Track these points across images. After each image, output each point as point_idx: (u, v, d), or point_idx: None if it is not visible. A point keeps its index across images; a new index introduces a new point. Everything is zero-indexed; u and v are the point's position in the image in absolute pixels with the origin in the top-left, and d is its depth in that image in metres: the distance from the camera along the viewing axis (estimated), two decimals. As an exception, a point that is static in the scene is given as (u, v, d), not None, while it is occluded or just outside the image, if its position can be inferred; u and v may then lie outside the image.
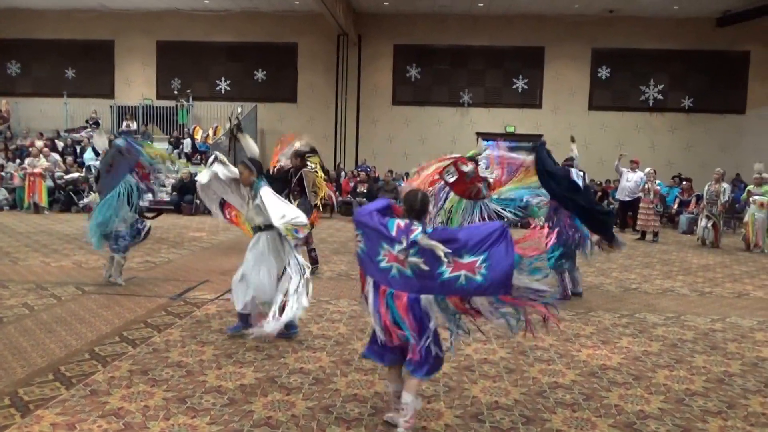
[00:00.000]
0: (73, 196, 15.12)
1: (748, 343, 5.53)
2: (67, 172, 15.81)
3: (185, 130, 18.59)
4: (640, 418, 3.83)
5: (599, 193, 15.31)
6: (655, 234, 12.50)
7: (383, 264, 3.35)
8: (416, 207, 3.42)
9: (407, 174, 17.01)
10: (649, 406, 4.01)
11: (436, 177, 7.03)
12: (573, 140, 8.45)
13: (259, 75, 19.72)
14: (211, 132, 18.55)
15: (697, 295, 7.63)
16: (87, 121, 19.04)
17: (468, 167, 6.98)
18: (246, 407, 3.72)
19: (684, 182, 15.14)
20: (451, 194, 7.20)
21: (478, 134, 19.10)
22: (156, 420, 3.51)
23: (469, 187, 7.06)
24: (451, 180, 7.00)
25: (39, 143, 16.19)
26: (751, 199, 11.70)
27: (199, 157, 17.02)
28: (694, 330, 5.88)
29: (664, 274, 8.89)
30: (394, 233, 3.31)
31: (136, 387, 3.95)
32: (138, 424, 3.45)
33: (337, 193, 15.55)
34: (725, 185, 12.13)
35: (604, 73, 18.80)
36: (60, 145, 17.76)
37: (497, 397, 4.05)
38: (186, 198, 15.30)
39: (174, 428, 3.42)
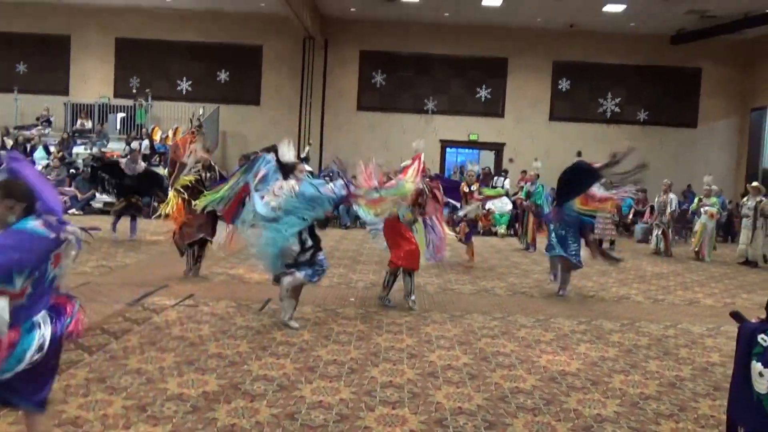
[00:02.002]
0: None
1: (699, 348, 5.73)
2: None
3: (143, 130, 18.21)
4: (597, 421, 3.93)
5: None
6: (612, 242, 12.80)
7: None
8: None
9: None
10: (605, 409, 4.13)
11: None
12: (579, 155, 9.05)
13: (222, 76, 19.46)
14: (170, 133, 18.20)
15: (651, 302, 7.86)
16: (38, 119, 18.47)
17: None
18: (209, 414, 3.68)
19: (639, 192, 15.53)
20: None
21: (443, 142, 19.33)
22: (115, 429, 3.44)
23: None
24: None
25: (-16, 140, 15.63)
26: (702, 209, 12.13)
27: (157, 158, 16.68)
28: (648, 336, 6.07)
29: (620, 281, 9.13)
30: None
31: (93, 395, 3.86)
32: (97, 432, 3.37)
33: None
34: (672, 195, 12.57)
35: (564, 85, 19.20)
36: (9, 142, 17.14)
37: (460, 403, 4.10)
38: (144, 200, 14.96)
39: (134, 436, 3.35)
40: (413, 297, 6.76)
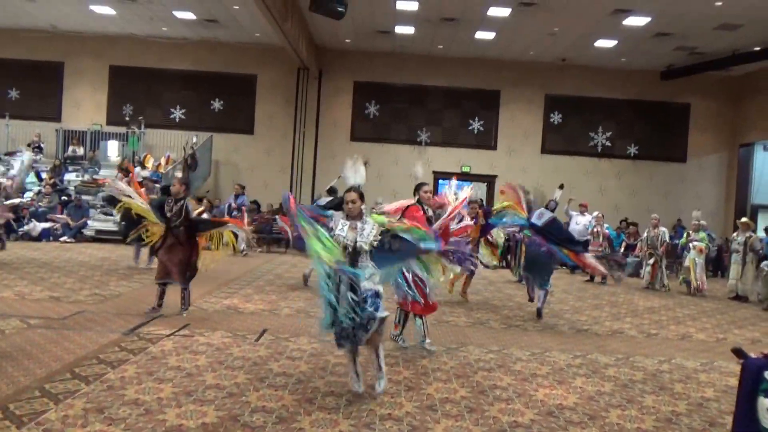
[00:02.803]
0: (12, 222, 14.50)
1: (693, 383, 5.75)
2: (7, 197, 15.20)
3: (136, 158, 18.23)
4: (598, 459, 3.92)
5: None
6: (604, 277, 12.87)
7: None
8: None
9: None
10: (605, 446, 4.12)
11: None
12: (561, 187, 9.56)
13: (216, 105, 19.58)
14: (163, 161, 18.25)
15: (645, 336, 7.89)
16: (29, 145, 18.43)
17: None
18: (208, 447, 3.65)
19: (630, 226, 15.69)
20: None
21: (435, 173, 19.46)
22: (114, 461, 3.39)
23: None
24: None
25: (-28, 165, 15.52)
26: (690, 244, 12.26)
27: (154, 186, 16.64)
28: (643, 371, 6.08)
29: (613, 315, 9.17)
30: None
31: (92, 426, 3.81)
32: (96, 465, 3.33)
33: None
34: (662, 229, 12.71)
35: (556, 118, 19.48)
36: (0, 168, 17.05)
37: (460, 438, 4.08)
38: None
39: (133, 469, 3.31)
40: (428, 340, 6.36)
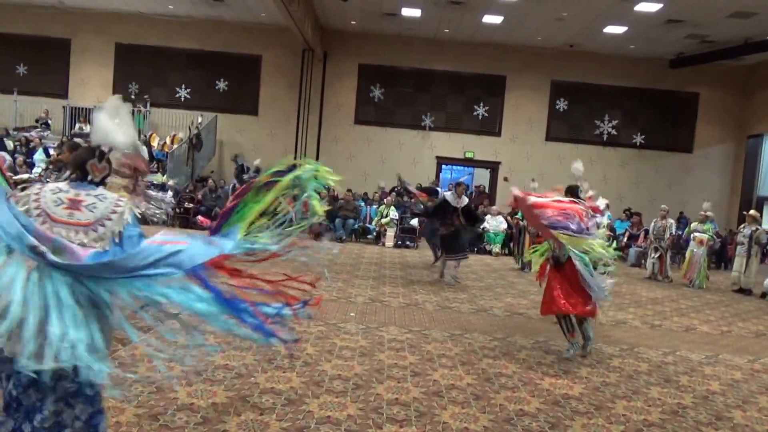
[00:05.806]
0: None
1: (698, 376, 5.77)
2: (15, 172, 15.20)
3: (141, 136, 18.17)
4: (604, 448, 3.95)
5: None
6: (606, 266, 12.85)
7: None
8: None
9: (366, 194, 17.04)
10: (611, 436, 4.14)
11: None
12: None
13: (221, 85, 19.49)
14: (168, 140, 18.21)
15: (648, 327, 7.90)
16: (37, 121, 18.39)
17: None
18: (220, 426, 3.68)
19: (634, 216, 15.66)
20: None
21: (439, 158, 19.42)
22: (128, 439, 3.42)
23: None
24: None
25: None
26: (692, 235, 12.25)
27: (156, 165, 16.64)
28: (647, 362, 6.10)
29: (617, 305, 9.17)
30: None
31: (105, 403, 3.83)
32: (109, 442, 3.35)
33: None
34: (670, 221, 12.70)
35: (561, 105, 19.35)
36: (9, 144, 17.06)
37: (467, 424, 4.11)
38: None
39: (146, 448, 3.34)
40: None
